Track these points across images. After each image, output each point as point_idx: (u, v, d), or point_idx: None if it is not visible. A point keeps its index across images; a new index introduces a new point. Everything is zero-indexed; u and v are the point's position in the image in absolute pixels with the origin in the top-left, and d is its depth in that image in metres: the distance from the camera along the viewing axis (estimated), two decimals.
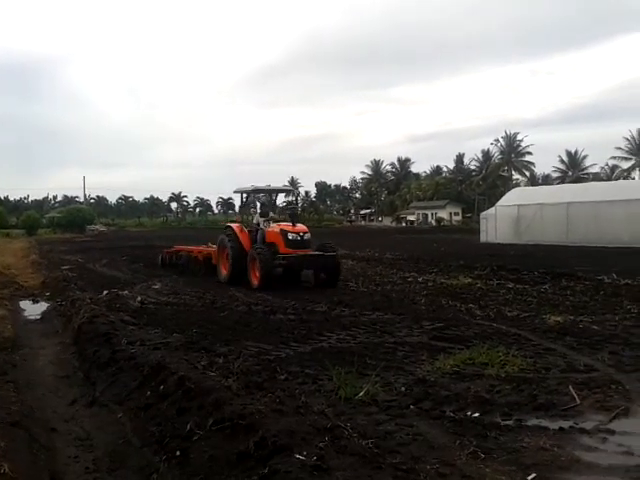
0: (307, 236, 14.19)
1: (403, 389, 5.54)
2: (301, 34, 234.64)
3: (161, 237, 48.57)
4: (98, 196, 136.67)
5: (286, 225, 14.36)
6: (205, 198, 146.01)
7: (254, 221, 15.63)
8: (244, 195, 16.68)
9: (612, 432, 4.44)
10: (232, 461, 3.75)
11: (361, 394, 5.19)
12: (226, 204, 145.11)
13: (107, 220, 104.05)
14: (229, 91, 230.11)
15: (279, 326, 8.80)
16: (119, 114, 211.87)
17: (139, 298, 11.85)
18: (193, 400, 4.79)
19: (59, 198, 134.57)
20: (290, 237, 13.83)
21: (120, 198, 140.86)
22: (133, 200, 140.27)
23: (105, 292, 12.51)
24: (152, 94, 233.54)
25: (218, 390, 4.75)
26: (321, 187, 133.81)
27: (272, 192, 18.24)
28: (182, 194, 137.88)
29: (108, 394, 6.08)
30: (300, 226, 14.53)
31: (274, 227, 14.39)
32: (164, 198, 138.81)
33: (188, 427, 4.40)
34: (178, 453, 4.25)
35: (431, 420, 4.70)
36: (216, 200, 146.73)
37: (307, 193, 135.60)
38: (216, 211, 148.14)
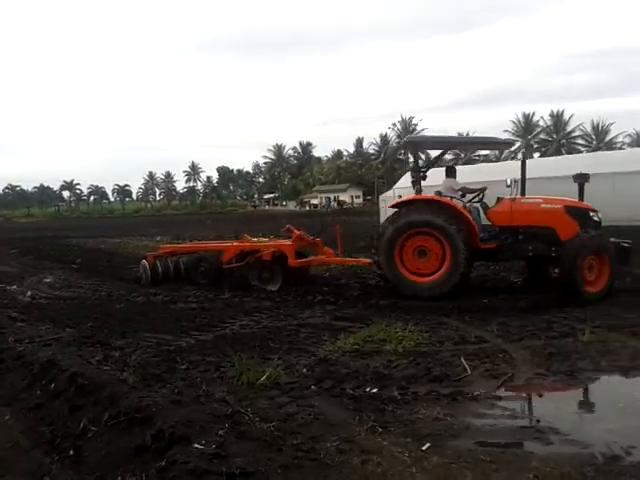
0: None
1: (305, 370, 5.60)
2: (200, 20, 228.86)
3: (53, 228, 46.08)
4: None
5: (570, 201, 9.53)
6: (100, 185, 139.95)
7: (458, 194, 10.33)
8: (420, 151, 10.99)
9: (499, 398, 4.72)
10: (129, 456, 3.62)
11: (263, 378, 5.18)
12: (122, 191, 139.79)
13: None
14: (126, 74, 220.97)
15: (180, 315, 8.59)
16: (2, 96, 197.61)
17: (29, 293, 11.17)
18: (87, 396, 4.59)
19: None
20: (595, 218, 9.43)
21: (6, 188, 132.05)
22: (21, 190, 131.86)
23: None
24: (39, 75, 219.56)
25: (113, 384, 4.58)
26: (223, 172, 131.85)
27: (482, 145, 11.77)
28: (75, 182, 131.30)
29: None
30: (586, 202, 9.71)
31: (545, 202, 9.55)
32: (55, 187, 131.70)
33: (82, 425, 4.21)
34: (71, 452, 4.05)
35: (331, 399, 4.78)
36: (112, 187, 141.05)
37: (209, 178, 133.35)
38: (112, 199, 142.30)
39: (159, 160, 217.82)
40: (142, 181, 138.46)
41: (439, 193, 10.15)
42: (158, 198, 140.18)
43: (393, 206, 9.98)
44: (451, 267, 9.12)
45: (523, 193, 9.64)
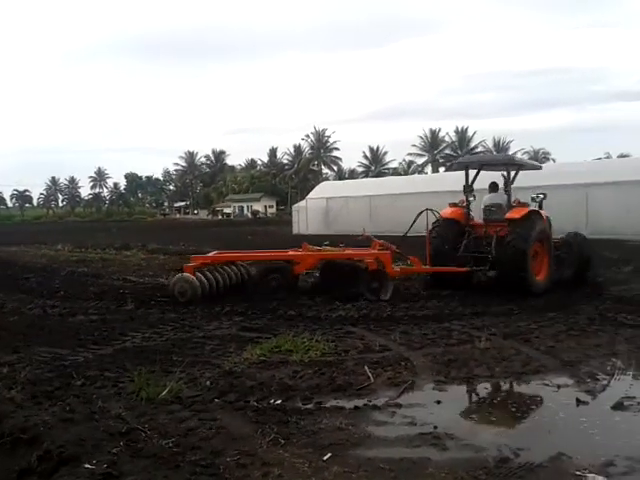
0: None
1: (208, 383, 5.48)
2: (112, 21, 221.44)
3: None
4: None
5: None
6: None
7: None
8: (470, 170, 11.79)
9: (400, 406, 4.83)
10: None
11: (164, 393, 5.02)
12: (22, 197, 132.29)
13: None
14: (27, 73, 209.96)
15: (78, 328, 8.16)
16: None
17: None
18: None
19: None
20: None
21: None
22: None
23: None
24: None
25: None
26: (131, 179, 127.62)
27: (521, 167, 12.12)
28: None
29: None
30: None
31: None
32: None
33: None
34: None
35: (235, 412, 4.71)
36: (10, 192, 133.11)
37: (116, 185, 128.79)
38: (10, 205, 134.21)
39: (63, 165, 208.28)
40: (44, 186, 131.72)
41: (499, 205, 11.25)
42: (61, 204, 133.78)
43: (521, 217, 10.53)
44: (550, 268, 10.95)
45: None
